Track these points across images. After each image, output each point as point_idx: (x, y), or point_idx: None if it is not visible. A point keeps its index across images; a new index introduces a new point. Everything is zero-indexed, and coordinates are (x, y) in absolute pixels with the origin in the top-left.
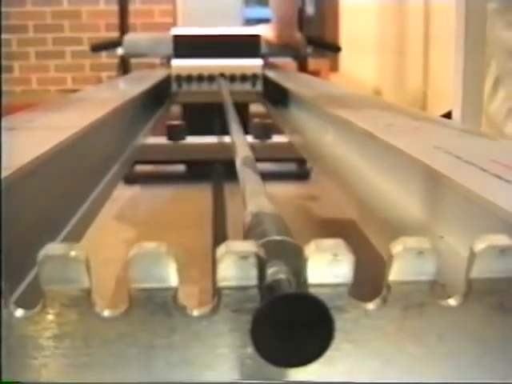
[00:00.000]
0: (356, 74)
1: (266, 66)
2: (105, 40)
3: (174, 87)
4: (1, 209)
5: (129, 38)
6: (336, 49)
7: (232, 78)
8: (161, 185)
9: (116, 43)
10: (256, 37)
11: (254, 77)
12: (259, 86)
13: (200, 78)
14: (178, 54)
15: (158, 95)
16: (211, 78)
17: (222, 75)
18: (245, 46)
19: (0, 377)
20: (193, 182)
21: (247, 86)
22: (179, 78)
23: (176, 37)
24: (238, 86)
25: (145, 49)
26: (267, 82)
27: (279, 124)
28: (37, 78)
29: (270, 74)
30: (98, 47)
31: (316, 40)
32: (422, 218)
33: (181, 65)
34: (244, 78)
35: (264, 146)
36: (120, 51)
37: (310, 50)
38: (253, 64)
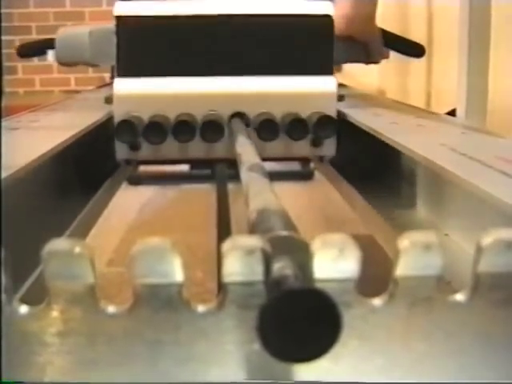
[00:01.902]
0: (359, 73)
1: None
2: (34, 41)
3: (121, 152)
4: (2, 205)
5: (63, 34)
6: (419, 51)
7: (264, 128)
8: (164, 185)
9: (46, 45)
10: (325, 21)
11: (323, 123)
12: (330, 147)
13: (184, 127)
14: (128, 65)
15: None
16: (214, 127)
17: (239, 116)
18: (295, 43)
19: (0, 376)
20: (196, 182)
21: (301, 148)
22: (129, 128)
23: (124, 25)
24: (275, 148)
25: (86, 53)
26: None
27: None
28: (40, 79)
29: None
30: (26, 52)
31: (396, 39)
32: (426, 215)
33: (134, 92)
34: (295, 126)
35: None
36: (51, 57)
37: (387, 53)
38: (318, 89)
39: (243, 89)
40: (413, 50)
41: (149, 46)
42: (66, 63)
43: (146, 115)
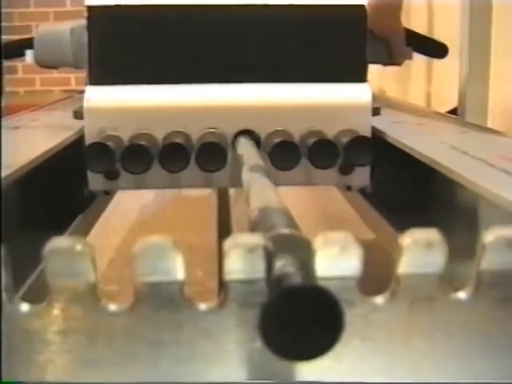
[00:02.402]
0: None
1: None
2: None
3: (94, 182)
4: (3, 204)
5: (43, 32)
6: (443, 51)
7: (279, 152)
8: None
9: (24, 45)
10: (358, 11)
11: (354, 145)
12: (364, 176)
13: (175, 152)
14: (102, 71)
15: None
16: (213, 150)
17: (246, 135)
18: (318, 41)
19: (0, 376)
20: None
21: (326, 176)
22: (102, 153)
23: (96, 19)
24: (293, 177)
25: (67, 54)
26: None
27: None
28: (40, 78)
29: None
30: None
31: (420, 38)
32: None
33: (111, 104)
34: (320, 149)
35: None
36: (29, 58)
37: (411, 53)
38: (347, 99)
39: (251, 100)
40: (437, 50)
41: (129, 44)
42: (45, 65)
43: (125, 135)
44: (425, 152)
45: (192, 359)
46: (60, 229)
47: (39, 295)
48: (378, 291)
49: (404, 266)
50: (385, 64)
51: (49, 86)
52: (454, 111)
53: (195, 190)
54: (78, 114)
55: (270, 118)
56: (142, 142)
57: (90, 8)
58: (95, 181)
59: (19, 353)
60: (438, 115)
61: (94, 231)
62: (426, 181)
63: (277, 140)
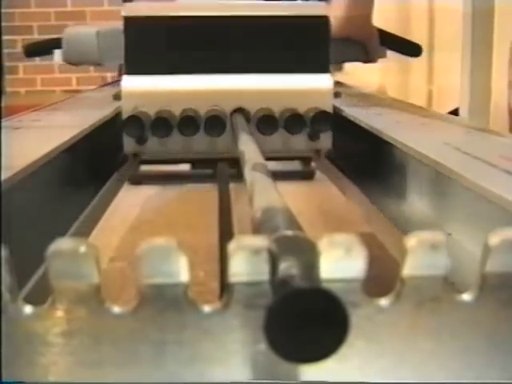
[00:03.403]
0: (360, 72)
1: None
2: (41, 41)
3: (129, 145)
4: (3, 205)
5: (70, 34)
6: (416, 50)
7: (263, 123)
8: (166, 184)
9: (52, 45)
10: (321, 21)
11: (319, 118)
12: (326, 140)
13: (188, 122)
14: (136, 63)
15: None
16: (216, 122)
17: (240, 112)
18: (295, 41)
19: (0, 377)
20: (198, 181)
21: (299, 142)
22: (137, 124)
23: (131, 25)
24: (274, 142)
25: (94, 53)
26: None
27: None
28: (41, 78)
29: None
30: (32, 51)
31: (393, 38)
32: (430, 214)
33: (141, 89)
34: (293, 121)
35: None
36: (57, 58)
37: (384, 52)
38: (314, 85)
39: (244, 86)
40: (410, 49)
41: (155, 45)
42: (72, 63)
43: (152, 111)
44: (426, 153)
45: (196, 361)
46: (101, 183)
47: (40, 297)
48: (382, 292)
49: (409, 268)
50: (363, 62)
51: (50, 86)
52: (455, 112)
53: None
54: (117, 96)
55: (256, 99)
56: (165, 115)
57: (126, 18)
58: (129, 145)
59: (22, 355)
60: (441, 116)
61: (95, 231)
62: (376, 148)
63: (261, 114)
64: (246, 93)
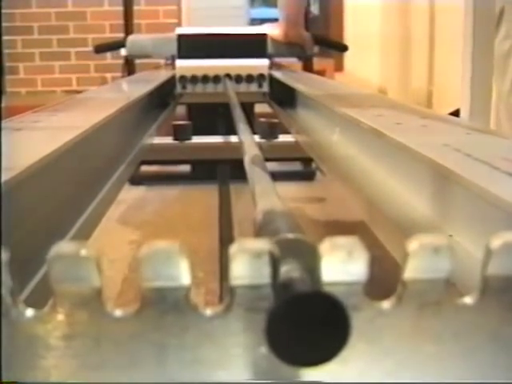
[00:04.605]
0: (361, 73)
1: (273, 66)
2: (108, 41)
3: (179, 88)
4: (3, 207)
5: (132, 38)
6: (343, 48)
7: (238, 79)
8: (166, 185)
9: (120, 44)
10: (262, 36)
11: (261, 77)
12: (266, 87)
13: (205, 79)
14: (183, 54)
15: (162, 96)
16: (216, 79)
17: (228, 76)
18: (251, 45)
19: (0, 377)
20: (198, 182)
21: (253, 87)
22: (184, 79)
23: (180, 37)
24: (244, 87)
25: (148, 49)
26: (274, 82)
27: (286, 124)
28: (42, 79)
29: (277, 74)
30: (101, 48)
31: (323, 39)
32: (431, 216)
33: (185, 65)
34: (250, 78)
35: (270, 146)
36: (123, 52)
37: (316, 49)
38: (259, 64)
39: (229, 64)
40: (336, 47)
41: (190, 46)
42: (132, 57)
43: (192, 73)
44: (428, 154)
45: (197, 363)
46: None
47: (40, 300)
48: (384, 295)
49: (411, 271)
50: (301, 57)
51: (50, 86)
52: (456, 113)
53: (196, 188)
54: (173, 66)
55: (234, 70)
56: (195, 75)
57: (180, 36)
58: (179, 88)
59: (23, 358)
60: (441, 117)
61: (97, 233)
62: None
63: (236, 76)
64: (231, 67)
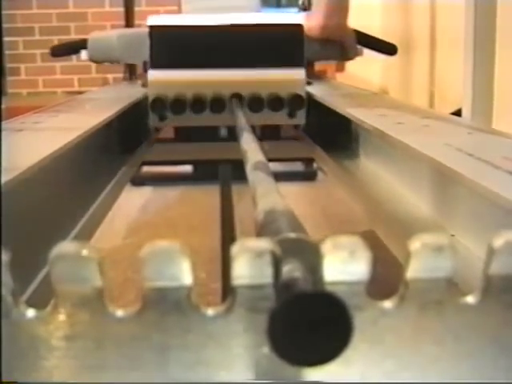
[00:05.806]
0: (362, 73)
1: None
2: (68, 41)
3: (153, 120)
4: (3, 207)
5: (95, 38)
6: (391, 49)
7: (254, 103)
8: (168, 186)
9: (80, 45)
10: (297, 28)
11: (294, 100)
12: (301, 117)
13: (198, 104)
14: (159, 61)
15: (123, 138)
16: (218, 103)
17: (237, 97)
18: (277, 44)
19: (0, 377)
20: (200, 182)
21: (281, 117)
22: (161, 104)
23: (154, 31)
24: (263, 118)
25: (116, 52)
26: (314, 107)
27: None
28: (43, 80)
29: (317, 93)
30: (59, 51)
31: (368, 38)
32: (433, 215)
33: (163, 79)
34: (276, 102)
35: (271, 146)
36: (84, 55)
37: (361, 51)
38: (291, 77)
39: (239, 76)
40: (385, 48)
41: (171, 46)
42: (96, 61)
43: (170, 94)
44: (429, 154)
45: (199, 364)
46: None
47: (41, 300)
48: (386, 294)
49: (413, 271)
50: (341, 60)
51: (52, 87)
52: (458, 113)
53: (198, 188)
54: (144, 84)
55: (248, 87)
56: (181, 98)
57: (151, 26)
58: (153, 120)
59: (25, 358)
60: (443, 117)
61: (98, 233)
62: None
63: (252, 97)
64: (241, 82)
